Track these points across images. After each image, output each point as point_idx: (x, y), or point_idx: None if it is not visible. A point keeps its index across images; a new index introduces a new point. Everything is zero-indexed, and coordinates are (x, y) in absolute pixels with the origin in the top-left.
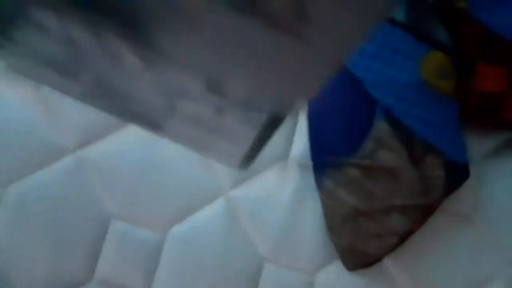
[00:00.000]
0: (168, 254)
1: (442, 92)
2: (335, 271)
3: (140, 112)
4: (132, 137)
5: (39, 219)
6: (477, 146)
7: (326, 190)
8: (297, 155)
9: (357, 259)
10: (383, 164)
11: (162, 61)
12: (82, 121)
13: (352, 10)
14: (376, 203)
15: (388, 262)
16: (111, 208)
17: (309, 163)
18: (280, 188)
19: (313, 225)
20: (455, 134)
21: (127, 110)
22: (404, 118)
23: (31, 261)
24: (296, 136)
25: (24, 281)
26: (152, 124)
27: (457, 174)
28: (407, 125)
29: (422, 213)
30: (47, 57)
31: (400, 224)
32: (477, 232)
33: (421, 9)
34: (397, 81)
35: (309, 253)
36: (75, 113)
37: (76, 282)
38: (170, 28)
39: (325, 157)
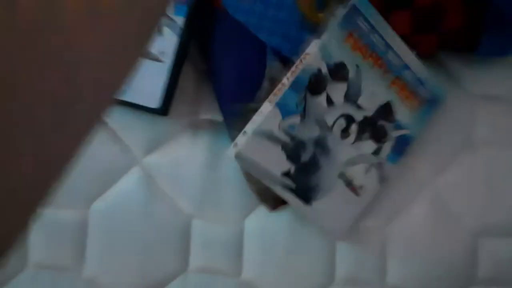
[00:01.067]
0: (94, 229)
1: (322, 24)
2: (260, 215)
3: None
4: None
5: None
6: None
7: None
8: (207, 113)
9: (274, 199)
10: None
11: None
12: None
13: None
14: None
15: None
16: None
17: (220, 119)
18: (195, 147)
19: (232, 177)
20: None
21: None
22: (293, 55)
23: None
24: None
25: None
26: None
27: None
28: (288, 54)
29: None
30: None
31: None
32: None
33: None
34: (278, 20)
35: (233, 204)
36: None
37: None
38: None
39: (229, 108)
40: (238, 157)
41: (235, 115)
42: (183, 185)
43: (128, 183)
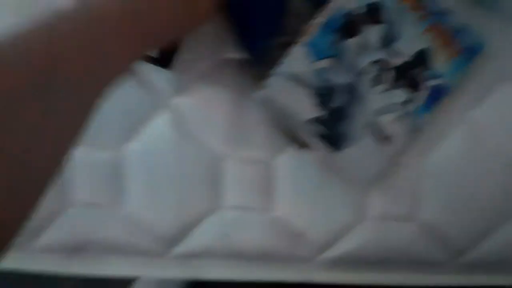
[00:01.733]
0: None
1: None
2: (291, 153)
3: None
4: None
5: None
6: None
7: (261, 79)
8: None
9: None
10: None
11: None
12: None
13: None
14: None
15: None
16: None
17: (244, 56)
18: (221, 87)
19: (260, 116)
20: None
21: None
22: None
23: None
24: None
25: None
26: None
27: None
28: None
29: None
30: None
31: None
32: None
33: None
34: None
35: (263, 143)
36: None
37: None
38: None
39: (252, 44)
40: (265, 100)
41: (259, 52)
42: (212, 125)
43: (158, 125)
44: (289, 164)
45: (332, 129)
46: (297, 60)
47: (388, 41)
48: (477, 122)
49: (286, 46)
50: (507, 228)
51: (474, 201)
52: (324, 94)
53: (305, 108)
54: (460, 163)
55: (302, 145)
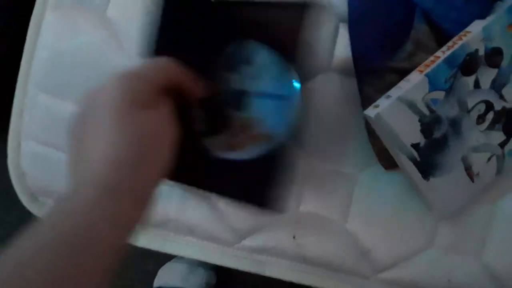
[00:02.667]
0: None
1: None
2: (376, 172)
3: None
4: None
5: None
6: None
7: (366, 96)
8: (339, 65)
9: (392, 159)
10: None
11: None
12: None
13: None
14: None
15: None
16: None
17: (351, 72)
18: (323, 96)
19: (356, 130)
20: None
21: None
22: (443, 20)
23: None
24: (337, 47)
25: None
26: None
27: None
28: (445, 28)
29: None
30: None
31: None
32: None
33: None
34: None
35: (352, 156)
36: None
37: None
38: None
39: (365, 64)
40: (377, 118)
41: (370, 72)
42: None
43: None
44: (371, 181)
45: (428, 157)
46: (415, 87)
47: (499, 85)
48: None
49: (399, 72)
50: None
51: None
52: (430, 123)
53: (409, 132)
54: None
55: (391, 164)
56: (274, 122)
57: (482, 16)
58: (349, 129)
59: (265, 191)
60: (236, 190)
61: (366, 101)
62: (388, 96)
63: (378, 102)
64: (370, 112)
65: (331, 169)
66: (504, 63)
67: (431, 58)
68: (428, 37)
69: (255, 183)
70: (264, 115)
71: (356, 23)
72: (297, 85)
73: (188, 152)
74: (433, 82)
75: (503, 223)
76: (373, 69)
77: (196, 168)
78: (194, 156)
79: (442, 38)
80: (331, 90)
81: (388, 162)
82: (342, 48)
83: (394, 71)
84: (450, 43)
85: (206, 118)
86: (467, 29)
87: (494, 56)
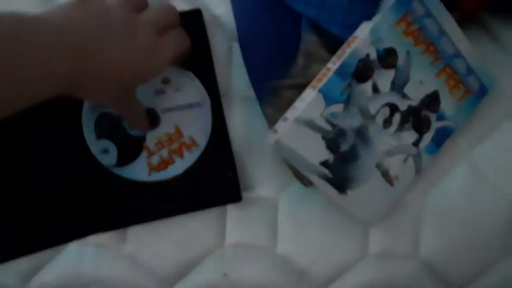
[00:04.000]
0: None
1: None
2: (295, 190)
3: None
4: None
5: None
6: None
7: (269, 117)
8: (239, 89)
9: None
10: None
11: None
12: None
13: None
14: None
15: None
16: None
17: (252, 94)
18: (229, 122)
19: (268, 152)
20: None
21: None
22: (330, 26)
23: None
24: (234, 70)
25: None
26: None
27: None
28: (334, 33)
29: None
30: None
31: None
32: None
33: None
34: None
35: (268, 179)
36: None
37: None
38: None
39: (262, 84)
40: (277, 144)
41: (268, 91)
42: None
43: None
44: (293, 201)
45: (340, 172)
46: (310, 105)
47: (399, 85)
48: (479, 160)
49: (296, 87)
50: (505, 264)
51: (474, 238)
52: (334, 139)
53: (314, 151)
54: (462, 201)
55: (309, 180)
56: (192, 130)
57: (371, 15)
58: (262, 151)
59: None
60: (180, 205)
61: (270, 122)
62: (286, 119)
63: (277, 126)
64: (270, 138)
65: (251, 196)
66: (400, 61)
67: (323, 71)
68: (317, 47)
69: (198, 190)
70: (181, 126)
71: (246, 41)
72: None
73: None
74: (328, 96)
75: (434, 216)
76: (270, 88)
77: (116, 205)
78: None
79: (333, 44)
80: (237, 114)
81: (306, 179)
82: (239, 68)
83: (291, 88)
84: (339, 52)
85: (116, 148)
86: (355, 34)
87: (388, 57)
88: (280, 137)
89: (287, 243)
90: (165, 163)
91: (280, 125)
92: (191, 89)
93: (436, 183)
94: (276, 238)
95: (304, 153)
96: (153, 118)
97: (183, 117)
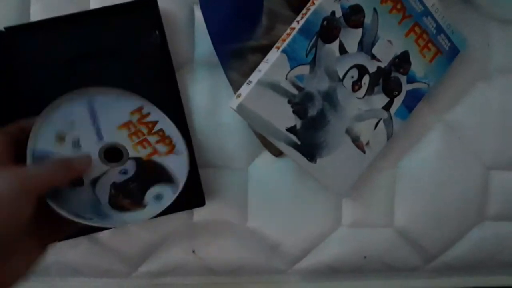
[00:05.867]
0: None
1: None
2: (265, 161)
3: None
4: None
5: None
6: None
7: (234, 83)
8: (202, 55)
9: None
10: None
11: None
12: None
13: None
14: None
15: None
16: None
17: (216, 60)
18: (194, 92)
19: (234, 121)
20: None
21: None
22: None
23: None
24: (197, 36)
25: None
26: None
27: None
28: None
29: None
30: None
31: None
32: None
33: None
34: None
35: (237, 150)
36: None
37: None
38: None
39: (225, 48)
40: (241, 109)
41: (231, 55)
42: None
43: None
44: (263, 172)
45: (308, 139)
46: (274, 66)
47: (367, 45)
48: (453, 123)
49: (260, 50)
50: (477, 231)
51: (450, 204)
52: (301, 102)
53: (281, 117)
54: (436, 166)
55: (278, 153)
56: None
57: None
58: (228, 122)
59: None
60: None
61: (236, 88)
62: (249, 82)
63: (240, 90)
64: (233, 103)
65: (220, 166)
66: (367, 20)
67: (288, 31)
68: (281, 5)
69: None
70: None
71: (207, 1)
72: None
73: None
74: (292, 57)
75: (407, 183)
76: (234, 51)
77: None
78: None
79: (296, 2)
80: (200, 84)
81: (276, 149)
82: (202, 35)
83: (256, 50)
84: (304, 11)
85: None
86: None
87: (354, 15)
88: (244, 101)
89: (259, 217)
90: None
91: (243, 89)
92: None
93: (409, 149)
94: (247, 212)
95: (270, 118)
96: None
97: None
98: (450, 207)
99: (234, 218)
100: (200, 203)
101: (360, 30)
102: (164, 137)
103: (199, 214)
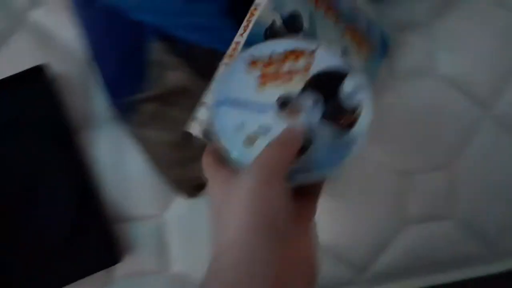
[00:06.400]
0: None
1: None
2: (180, 206)
3: None
4: None
5: None
6: None
7: (136, 135)
8: (102, 111)
9: (189, 186)
10: (173, 86)
11: None
12: None
13: None
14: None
15: None
16: None
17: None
18: (96, 146)
19: (142, 172)
20: (227, 27)
21: None
22: (174, 30)
23: None
24: (95, 93)
25: None
26: None
27: None
28: (179, 37)
29: None
30: None
31: None
32: None
33: None
34: None
35: (149, 199)
36: None
37: None
38: None
39: (119, 101)
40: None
41: (127, 108)
42: None
43: None
44: (179, 216)
45: None
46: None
47: None
48: None
49: (154, 100)
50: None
51: (368, 214)
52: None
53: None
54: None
55: (190, 191)
56: None
57: (217, 13)
58: (136, 171)
59: None
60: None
61: (138, 139)
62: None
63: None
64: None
65: (134, 218)
66: (306, 25)
67: (232, 45)
68: (167, 53)
69: None
70: None
71: (96, 59)
72: None
73: None
74: None
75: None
76: (127, 104)
77: None
78: None
79: (181, 49)
80: (104, 139)
81: (186, 190)
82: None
83: (150, 101)
84: (244, 23)
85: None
86: (255, 2)
87: (293, 22)
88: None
89: (181, 261)
90: None
91: (201, 113)
92: None
93: None
94: (170, 258)
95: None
96: None
97: None
98: (369, 217)
99: (156, 266)
100: (114, 260)
101: (300, 35)
102: None
103: (120, 269)
